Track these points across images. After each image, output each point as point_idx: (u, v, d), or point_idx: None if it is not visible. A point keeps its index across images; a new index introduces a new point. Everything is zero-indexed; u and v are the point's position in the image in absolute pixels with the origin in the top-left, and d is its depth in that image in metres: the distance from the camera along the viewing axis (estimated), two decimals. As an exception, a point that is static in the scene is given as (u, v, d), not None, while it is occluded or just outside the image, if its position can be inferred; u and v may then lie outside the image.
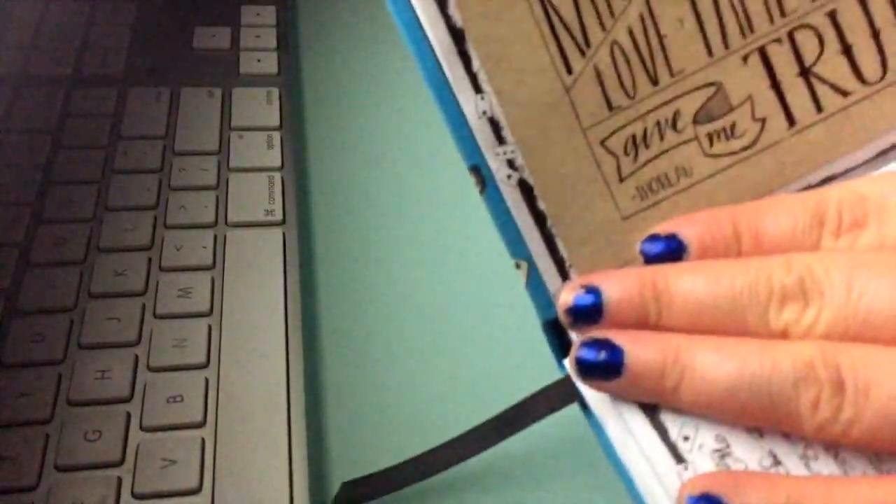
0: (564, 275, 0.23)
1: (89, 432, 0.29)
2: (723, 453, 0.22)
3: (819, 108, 0.24)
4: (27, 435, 0.29)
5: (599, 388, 0.23)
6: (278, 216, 0.37)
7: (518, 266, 0.23)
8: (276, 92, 0.43)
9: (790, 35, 0.24)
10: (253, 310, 0.33)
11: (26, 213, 0.36)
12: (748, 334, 0.22)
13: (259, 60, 0.45)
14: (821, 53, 0.24)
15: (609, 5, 0.23)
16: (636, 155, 0.23)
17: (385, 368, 0.34)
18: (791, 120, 0.24)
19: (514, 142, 0.23)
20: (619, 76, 0.23)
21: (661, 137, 0.23)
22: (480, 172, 0.23)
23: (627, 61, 0.23)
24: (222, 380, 0.31)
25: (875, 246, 0.22)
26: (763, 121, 0.24)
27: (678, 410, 0.22)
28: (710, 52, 0.23)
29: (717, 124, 0.23)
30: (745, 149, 0.24)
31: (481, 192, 0.23)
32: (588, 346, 0.22)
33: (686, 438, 0.22)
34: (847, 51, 0.24)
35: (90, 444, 0.29)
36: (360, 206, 0.41)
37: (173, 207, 0.37)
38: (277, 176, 0.39)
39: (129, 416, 0.30)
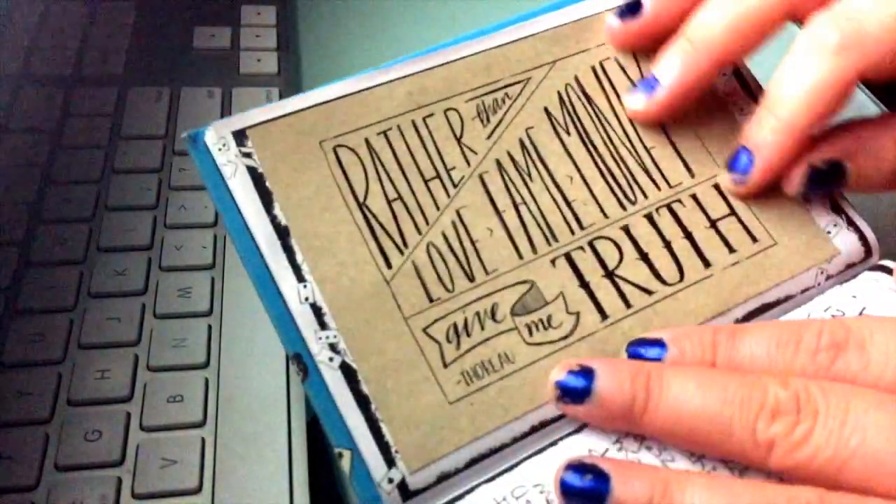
0: (390, 461, 0.22)
1: (89, 432, 0.29)
2: None
3: (628, 305, 0.25)
4: (27, 435, 0.29)
5: None
6: (278, 216, 0.37)
7: (341, 456, 0.22)
8: (276, 92, 0.43)
9: (591, 244, 0.26)
10: (253, 310, 0.33)
11: (26, 213, 0.36)
12: (731, 443, 0.21)
13: (259, 60, 0.45)
14: (621, 260, 0.26)
15: (423, 213, 0.25)
16: (458, 342, 0.24)
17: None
18: (603, 314, 0.25)
19: (337, 327, 0.23)
20: (436, 272, 0.24)
21: (482, 327, 0.24)
22: (302, 360, 0.23)
23: (444, 260, 0.25)
24: (222, 380, 0.31)
25: (855, 371, 0.22)
26: (577, 314, 0.25)
27: None
28: (520, 256, 0.25)
29: (534, 316, 0.24)
30: (563, 338, 0.24)
31: (303, 380, 0.23)
32: (574, 469, 0.21)
33: None
34: (644, 258, 0.26)
35: (90, 444, 0.29)
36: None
37: (173, 207, 0.37)
38: (277, 176, 0.39)
39: (129, 416, 0.30)
